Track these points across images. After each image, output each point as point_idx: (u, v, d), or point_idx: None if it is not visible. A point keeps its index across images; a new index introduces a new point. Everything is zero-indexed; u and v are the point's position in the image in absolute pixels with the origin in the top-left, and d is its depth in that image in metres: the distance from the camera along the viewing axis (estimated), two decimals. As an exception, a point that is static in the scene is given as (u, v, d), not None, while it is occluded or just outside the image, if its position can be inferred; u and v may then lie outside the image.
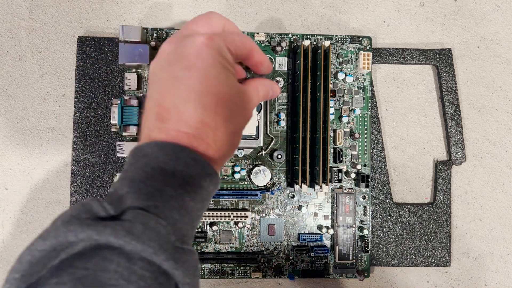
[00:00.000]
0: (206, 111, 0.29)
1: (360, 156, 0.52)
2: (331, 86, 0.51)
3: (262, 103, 0.50)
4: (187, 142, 0.29)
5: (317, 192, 0.51)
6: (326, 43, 0.48)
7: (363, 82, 0.52)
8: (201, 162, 0.29)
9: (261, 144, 0.50)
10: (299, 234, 0.51)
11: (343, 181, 0.52)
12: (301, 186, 0.48)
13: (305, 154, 0.48)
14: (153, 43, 0.50)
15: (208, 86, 0.30)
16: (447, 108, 0.54)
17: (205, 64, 0.30)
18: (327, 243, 0.51)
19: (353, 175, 0.51)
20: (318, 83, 0.48)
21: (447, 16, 0.55)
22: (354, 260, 0.51)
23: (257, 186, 0.51)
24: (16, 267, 0.24)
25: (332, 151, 0.51)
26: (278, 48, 0.51)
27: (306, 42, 0.48)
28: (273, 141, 0.51)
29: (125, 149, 0.47)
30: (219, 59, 0.31)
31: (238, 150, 0.50)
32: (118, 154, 0.47)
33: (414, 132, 0.55)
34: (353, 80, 0.52)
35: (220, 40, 0.32)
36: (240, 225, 0.50)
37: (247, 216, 0.49)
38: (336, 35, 0.52)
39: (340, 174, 0.51)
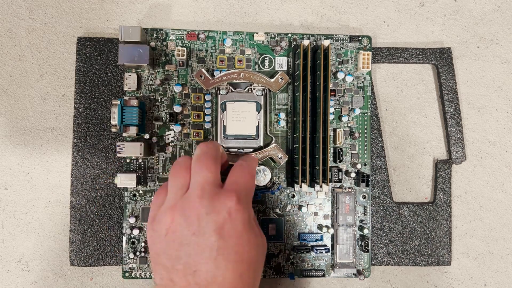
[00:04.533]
0: (241, 278, 0.34)
1: (360, 156, 0.52)
2: (330, 85, 0.51)
3: (262, 103, 0.50)
4: None
5: (317, 192, 0.51)
6: (326, 42, 0.48)
7: (362, 82, 0.52)
8: None
9: (261, 144, 0.50)
10: (299, 233, 0.51)
11: (343, 181, 0.52)
12: (301, 186, 0.48)
13: (305, 153, 0.48)
14: (152, 44, 0.50)
15: (241, 254, 0.34)
16: (447, 107, 0.54)
17: (238, 231, 0.34)
18: (327, 242, 0.51)
19: (353, 175, 0.51)
20: (317, 83, 0.48)
21: (447, 16, 0.55)
22: (354, 260, 0.51)
23: (257, 186, 0.51)
24: None
25: (332, 151, 0.51)
26: (278, 48, 0.51)
27: (306, 42, 0.48)
28: (273, 141, 0.51)
29: (125, 149, 0.47)
30: (248, 221, 0.35)
31: (238, 150, 0.50)
32: (118, 154, 0.47)
33: (414, 132, 0.55)
34: (353, 79, 0.52)
35: (246, 197, 0.36)
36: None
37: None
38: (336, 35, 0.52)
39: (340, 173, 0.51)
